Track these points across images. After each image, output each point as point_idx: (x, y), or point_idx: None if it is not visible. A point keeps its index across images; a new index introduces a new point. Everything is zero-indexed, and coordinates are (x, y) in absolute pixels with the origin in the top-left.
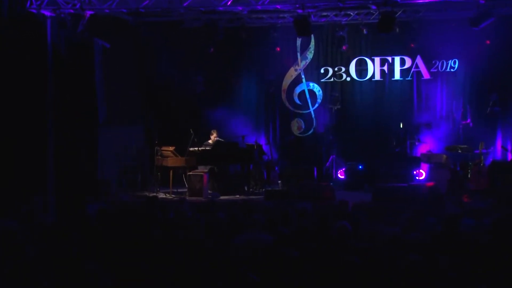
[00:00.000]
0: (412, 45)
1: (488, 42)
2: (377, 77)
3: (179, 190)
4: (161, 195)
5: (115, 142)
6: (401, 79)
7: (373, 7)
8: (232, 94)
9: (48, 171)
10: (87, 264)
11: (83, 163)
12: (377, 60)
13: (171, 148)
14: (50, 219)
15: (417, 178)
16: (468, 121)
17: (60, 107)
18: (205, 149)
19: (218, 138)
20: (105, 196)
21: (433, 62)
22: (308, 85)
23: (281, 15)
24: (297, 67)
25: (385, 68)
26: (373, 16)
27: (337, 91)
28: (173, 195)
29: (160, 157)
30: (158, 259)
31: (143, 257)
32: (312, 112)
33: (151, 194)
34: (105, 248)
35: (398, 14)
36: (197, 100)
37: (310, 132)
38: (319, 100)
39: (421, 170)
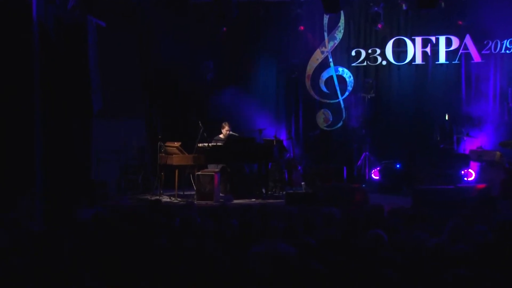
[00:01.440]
0: (460, 23)
1: None
2: (418, 60)
3: (186, 193)
4: (165, 199)
5: (112, 137)
6: (447, 62)
7: None
8: (247, 82)
9: (35, 171)
10: (80, 279)
11: (75, 161)
12: (418, 40)
13: (176, 144)
14: (37, 226)
15: (465, 179)
16: None
17: (48, 96)
18: (216, 145)
19: (231, 132)
20: (101, 199)
21: (485, 42)
22: (336, 70)
23: None
24: (324, 49)
25: (428, 49)
26: None
27: (371, 77)
28: (179, 199)
29: (164, 155)
30: (162, 273)
31: (144, 270)
32: (342, 102)
33: (154, 198)
34: (101, 260)
35: None
36: (207, 88)
37: (338, 125)
38: (349, 88)
39: (470, 170)
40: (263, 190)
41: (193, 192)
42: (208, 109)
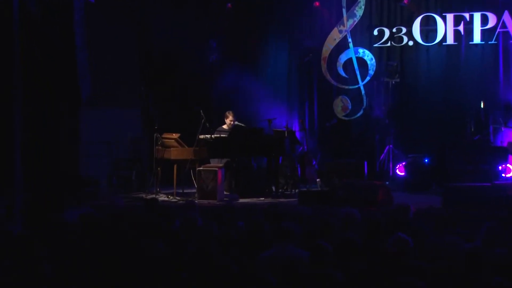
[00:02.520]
0: None
1: None
2: (450, 40)
3: (186, 191)
4: (163, 198)
5: (102, 127)
6: (482, 42)
7: None
8: (255, 65)
9: (14, 166)
10: None
11: (60, 155)
12: (449, 17)
13: (175, 136)
14: (17, 228)
15: (503, 175)
16: None
17: (29, 80)
18: (220, 137)
19: (236, 122)
20: (90, 198)
21: None
22: (356, 52)
23: None
24: (342, 27)
25: (461, 28)
26: None
27: (396, 59)
28: (178, 198)
29: (161, 148)
30: (159, 282)
31: (139, 279)
32: (362, 88)
33: (150, 196)
34: (90, 268)
35: None
36: (209, 72)
37: (358, 114)
38: (371, 72)
39: (508, 165)
40: (273, 188)
41: (194, 190)
42: (211, 96)
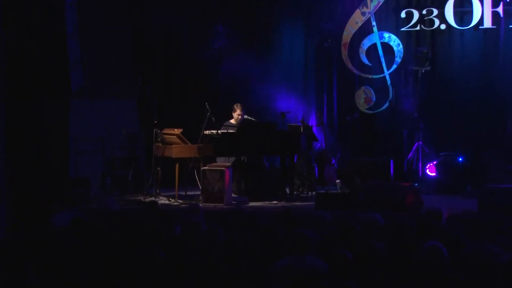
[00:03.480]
0: None
1: None
2: (487, 23)
3: (189, 193)
4: (163, 201)
5: (95, 121)
6: None
7: None
8: (267, 51)
9: None
10: None
11: (48, 153)
12: None
13: (177, 131)
14: (0, 234)
15: None
16: None
17: (12, 69)
18: (227, 133)
19: (246, 116)
20: (81, 201)
21: None
22: (382, 37)
23: None
24: (365, 9)
25: (500, 9)
26: None
27: (426, 45)
28: (180, 201)
29: (161, 145)
30: None
31: None
32: (388, 77)
33: (149, 199)
34: (80, 279)
35: None
36: (215, 60)
37: (384, 107)
38: (398, 59)
39: None
40: (287, 190)
41: (198, 193)
42: (217, 86)
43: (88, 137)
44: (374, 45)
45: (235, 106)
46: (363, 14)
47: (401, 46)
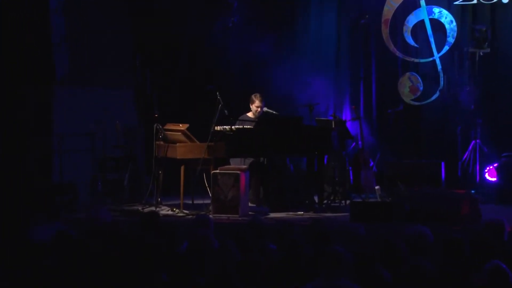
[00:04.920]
0: None
1: None
2: None
3: (197, 202)
4: (165, 211)
5: (84, 115)
6: None
7: None
8: (291, 31)
9: None
10: None
11: (27, 153)
12: None
13: (182, 127)
14: None
15: None
16: None
17: None
18: (243, 129)
19: (265, 109)
20: (67, 211)
21: None
22: (430, 13)
23: None
24: None
25: None
26: None
27: (485, 22)
28: (186, 211)
29: (163, 143)
30: None
31: None
32: (438, 61)
33: (148, 209)
34: None
35: None
36: (228, 41)
37: (433, 97)
38: (450, 40)
39: None
40: (316, 199)
41: (208, 201)
42: (231, 73)
43: (75, 133)
44: (422, 22)
45: (253, 96)
46: None
47: (454, 23)
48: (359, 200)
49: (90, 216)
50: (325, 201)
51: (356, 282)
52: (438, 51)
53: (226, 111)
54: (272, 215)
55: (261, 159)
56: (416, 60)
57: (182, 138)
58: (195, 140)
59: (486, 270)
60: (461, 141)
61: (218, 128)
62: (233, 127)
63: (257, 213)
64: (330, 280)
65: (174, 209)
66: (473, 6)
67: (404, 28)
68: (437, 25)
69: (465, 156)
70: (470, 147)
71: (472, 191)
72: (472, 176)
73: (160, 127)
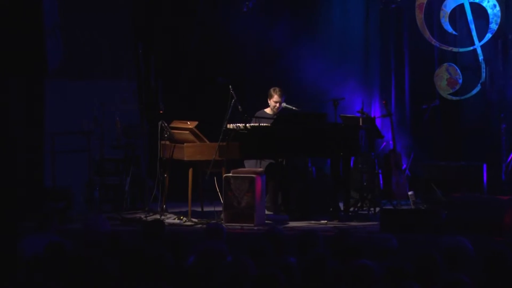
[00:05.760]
0: None
1: None
2: None
3: (207, 209)
4: (171, 219)
5: (79, 111)
6: None
7: None
8: (313, 16)
9: None
10: None
11: (15, 154)
12: None
13: (190, 125)
14: None
15: None
16: None
17: None
18: (260, 127)
19: (284, 104)
20: (60, 220)
21: None
22: None
23: None
24: None
25: None
26: None
27: None
28: (194, 220)
29: (168, 143)
30: None
31: None
32: (479, 51)
33: (152, 217)
34: None
35: None
36: (242, 27)
37: (473, 91)
38: (493, 26)
39: None
40: (341, 206)
41: (220, 209)
42: (245, 64)
43: (70, 131)
44: (461, 6)
45: (271, 90)
46: None
47: (497, 7)
48: (390, 207)
49: (86, 226)
50: (351, 209)
51: None
52: (480, 39)
53: (240, 107)
54: (292, 224)
55: (280, 160)
56: (455, 50)
57: (191, 137)
58: (205, 139)
59: None
60: (505, 140)
61: (231, 126)
62: (248, 124)
63: (274, 222)
64: None
65: (181, 218)
66: None
67: (441, 13)
68: (479, 9)
69: (510, 158)
70: None
71: None
72: None
73: (166, 124)
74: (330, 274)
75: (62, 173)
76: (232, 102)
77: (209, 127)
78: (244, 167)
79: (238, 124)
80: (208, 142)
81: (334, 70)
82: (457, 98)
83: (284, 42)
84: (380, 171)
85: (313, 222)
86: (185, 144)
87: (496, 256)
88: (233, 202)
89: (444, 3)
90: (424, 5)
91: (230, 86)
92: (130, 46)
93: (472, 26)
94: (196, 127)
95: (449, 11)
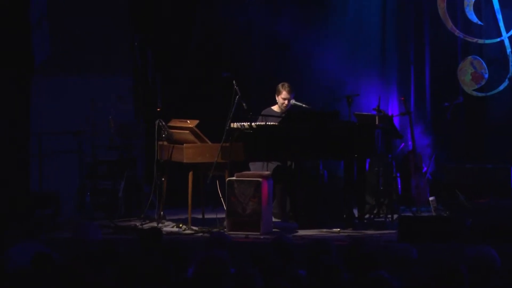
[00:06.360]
0: None
1: None
2: None
3: (208, 216)
4: (170, 227)
5: (70, 110)
6: None
7: None
8: (325, 6)
9: None
10: None
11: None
12: None
13: (190, 124)
14: None
15: None
16: None
17: None
18: (266, 126)
19: (293, 101)
20: (48, 228)
21: None
22: None
23: None
24: None
25: None
26: None
27: None
28: (194, 228)
29: (167, 143)
30: None
31: None
32: (507, 43)
33: (148, 225)
34: None
35: None
36: (246, 18)
37: (501, 87)
38: None
39: None
40: (355, 212)
41: (222, 215)
42: (251, 57)
43: (59, 131)
44: None
45: (279, 86)
46: None
47: None
48: (409, 214)
49: (76, 235)
50: (367, 216)
51: None
52: (507, 30)
53: (244, 104)
54: (302, 232)
55: (288, 163)
56: (480, 41)
57: (191, 137)
58: (207, 140)
59: None
60: None
61: (235, 125)
62: (253, 123)
63: (282, 230)
64: None
65: (181, 225)
66: None
67: (465, 1)
68: None
69: None
70: None
71: None
72: None
73: (164, 123)
74: (342, 287)
75: (50, 177)
76: (237, 98)
77: (211, 126)
78: (249, 170)
79: (242, 123)
80: (209, 142)
81: (347, 64)
82: (483, 94)
83: (293, 33)
84: (398, 174)
85: (324, 230)
86: (184, 145)
87: None
88: (237, 209)
89: None
90: None
91: (234, 81)
92: (126, 38)
93: (499, 16)
94: (196, 126)
95: (473, 0)
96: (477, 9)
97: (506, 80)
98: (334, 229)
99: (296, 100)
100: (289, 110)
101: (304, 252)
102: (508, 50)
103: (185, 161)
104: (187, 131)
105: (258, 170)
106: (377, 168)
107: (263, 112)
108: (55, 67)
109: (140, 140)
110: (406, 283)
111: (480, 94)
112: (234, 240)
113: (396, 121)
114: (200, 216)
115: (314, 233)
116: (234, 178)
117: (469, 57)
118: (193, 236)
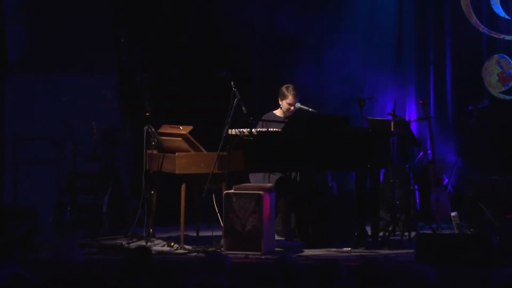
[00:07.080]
0: None
1: None
2: None
3: (203, 234)
4: (160, 246)
5: (47, 114)
6: None
7: None
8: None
9: None
10: None
11: None
12: None
13: (183, 130)
14: None
15: None
16: None
17: None
18: (268, 132)
19: (299, 105)
20: (24, 248)
21: None
22: None
23: None
24: None
25: None
26: None
27: None
28: (188, 247)
29: (157, 152)
30: None
31: None
32: None
33: (135, 243)
34: None
35: None
36: (248, 12)
37: None
38: None
39: None
40: (368, 229)
41: (219, 233)
42: (252, 55)
43: (35, 138)
44: None
45: (284, 89)
46: None
47: None
48: (429, 232)
49: (55, 255)
50: (381, 233)
51: None
52: None
53: (244, 108)
54: (308, 252)
55: (293, 174)
56: (508, 38)
57: (184, 145)
58: (201, 148)
59: None
60: None
61: (233, 131)
62: (254, 130)
63: (286, 249)
64: None
65: (172, 244)
66: None
67: None
68: None
69: None
70: None
71: None
72: None
73: (153, 129)
74: None
75: (25, 190)
76: (235, 102)
77: (207, 133)
78: (249, 182)
79: (242, 130)
80: (205, 151)
81: (360, 64)
82: (511, 97)
83: (298, 29)
84: (416, 186)
85: (333, 250)
86: (176, 154)
87: None
88: (236, 225)
89: None
90: None
91: (232, 83)
92: (110, 33)
93: None
94: (190, 132)
95: None
96: (504, 1)
97: None
98: (345, 249)
99: (301, 104)
100: (293, 115)
101: (310, 275)
102: None
103: (177, 172)
104: (180, 139)
105: (259, 182)
106: (392, 180)
107: (264, 117)
108: (31, 65)
109: (126, 148)
110: None
111: (507, 97)
112: (233, 260)
113: (413, 127)
114: (194, 234)
115: (322, 252)
116: (232, 191)
117: (496, 56)
118: (186, 256)
